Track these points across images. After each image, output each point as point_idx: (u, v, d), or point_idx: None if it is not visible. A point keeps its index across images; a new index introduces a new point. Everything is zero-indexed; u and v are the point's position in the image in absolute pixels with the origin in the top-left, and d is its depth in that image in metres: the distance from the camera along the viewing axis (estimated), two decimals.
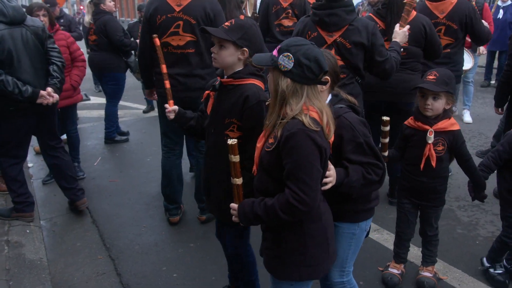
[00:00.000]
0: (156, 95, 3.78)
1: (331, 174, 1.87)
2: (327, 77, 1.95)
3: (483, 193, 2.72)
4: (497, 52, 8.13)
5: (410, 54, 3.58)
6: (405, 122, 2.78)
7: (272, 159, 1.77)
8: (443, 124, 2.61)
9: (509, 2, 7.80)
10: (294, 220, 1.78)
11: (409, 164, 2.78)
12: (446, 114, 2.64)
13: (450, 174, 4.45)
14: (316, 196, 1.74)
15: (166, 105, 2.58)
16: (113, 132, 6.09)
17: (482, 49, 6.25)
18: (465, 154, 2.67)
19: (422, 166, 2.65)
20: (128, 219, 3.96)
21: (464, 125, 6.40)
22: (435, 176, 2.70)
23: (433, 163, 2.62)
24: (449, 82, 2.58)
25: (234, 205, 1.89)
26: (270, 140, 1.78)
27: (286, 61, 1.71)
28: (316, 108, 1.76)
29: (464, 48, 5.78)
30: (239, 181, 1.88)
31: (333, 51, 3.02)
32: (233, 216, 1.89)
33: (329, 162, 1.84)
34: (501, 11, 7.77)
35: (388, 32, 3.52)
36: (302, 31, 3.17)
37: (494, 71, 8.64)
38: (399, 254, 2.99)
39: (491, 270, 2.97)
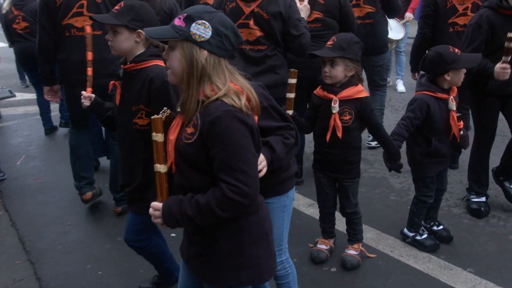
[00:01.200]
0: (58, 94, 3.55)
1: (260, 158, 1.68)
2: None
3: (399, 162, 2.67)
4: None
5: (326, 26, 3.50)
6: (314, 92, 2.69)
7: (196, 151, 1.50)
8: (348, 92, 2.52)
9: None
10: (235, 216, 1.54)
11: (319, 135, 2.69)
12: (351, 81, 2.54)
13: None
14: (257, 184, 1.52)
15: (83, 92, 2.39)
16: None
17: (408, 15, 6.30)
18: (375, 123, 2.60)
19: (328, 137, 2.56)
20: (53, 218, 3.69)
21: (398, 94, 6.51)
22: (345, 147, 2.62)
23: (339, 134, 2.53)
24: (346, 47, 2.48)
25: (156, 205, 1.56)
26: (189, 130, 1.51)
27: (202, 30, 1.48)
28: (238, 83, 1.55)
29: (395, 18, 5.87)
30: (162, 168, 1.55)
31: (251, 22, 2.92)
32: (154, 217, 1.56)
33: None
34: None
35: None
36: (221, 2, 3.04)
37: None
38: (325, 229, 2.93)
39: (418, 237, 2.97)
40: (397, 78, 6.74)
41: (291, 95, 2.40)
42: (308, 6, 3.28)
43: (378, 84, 4.61)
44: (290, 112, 2.52)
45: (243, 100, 1.51)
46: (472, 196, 3.42)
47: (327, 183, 2.77)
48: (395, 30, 5.90)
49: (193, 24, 1.48)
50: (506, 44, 2.76)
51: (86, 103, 2.36)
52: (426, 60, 2.69)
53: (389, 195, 3.72)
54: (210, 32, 1.49)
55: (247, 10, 2.93)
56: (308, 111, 2.75)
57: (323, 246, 2.90)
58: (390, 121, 5.15)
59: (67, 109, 3.74)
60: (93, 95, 2.38)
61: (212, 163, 1.49)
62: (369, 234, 3.15)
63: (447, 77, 2.62)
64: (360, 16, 4.15)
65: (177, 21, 1.51)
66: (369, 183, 3.94)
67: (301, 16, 3.16)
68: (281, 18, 2.92)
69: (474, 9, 3.55)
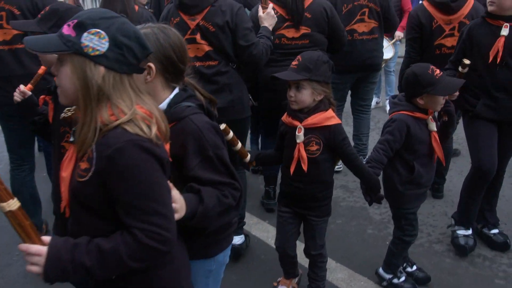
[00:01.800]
0: None
1: (178, 202, 1.35)
2: (150, 64, 1.49)
3: (379, 193, 2.36)
4: None
5: (314, 42, 3.24)
6: (282, 118, 2.40)
7: (93, 192, 1.22)
8: (315, 119, 2.22)
9: None
10: (147, 266, 1.27)
11: (285, 166, 2.39)
12: (319, 106, 2.25)
13: None
14: (175, 226, 1.26)
15: (21, 86, 2.16)
16: None
17: (398, 34, 6.08)
18: (348, 154, 2.28)
19: (292, 169, 2.27)
20: (0, 245, 3.40)
21: (387, 116, 6.20)
22: (312, 181, 2.32)
23: (304, 166, 2.22)
24: (313, 68, 2.18)
25: (36, 248, 1.19)
26: (83, 165, 1.22)
27: (96, 41, 1.20)
28: (146, 106, 1.27)
29: (385, 37, 5.65)
30: (11, 205, 1.18)
31: (198, 36, 2.69)
32: (31, 265, 1.20)
33: (171, 185, 1.34)
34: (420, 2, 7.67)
35: (293, 18, 3.19)
36: (166, 17, 2.80)
37: None
38: (286, 270, 2.63)
39: (395, 281, 2.65)
40: (387, 99, 6.47)
41: (237, 147, 2.19)
42: (273, 13, 3.00)
43: (366, 104, 4.39)
44: (247, 159, 2.27)
45: (154, 127, 1.24)
46: (458, 228, 3.11)
47: (290, 219, 2.46)
48: (385, 49, 5.69)
49: (85, 34, 1.20)
50: (460, 68, 2.65)
51: (17, 98, 2.13)
52: (403, 78, 2.44)
53: (366, 228, 3.42)
54: (107, 44, 1.21)
55: (192, 24, 2.70)
56: (277, 140, 2.46)
57: (284, 287, 2.60)
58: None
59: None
60: (30, 93, 2.14)
61: (116, 206, 1.21)
62: (340, 274, 2.85)
63: (420, 101, 2.35)
64: (365, 31, 3.93)
65: (65, 29, 1.23)
66: (346, 213, 3.65)
67: (265, 25, 2.93)
68: (228, 28, 2.68)
69: (460, 29, 3.31)
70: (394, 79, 6.54)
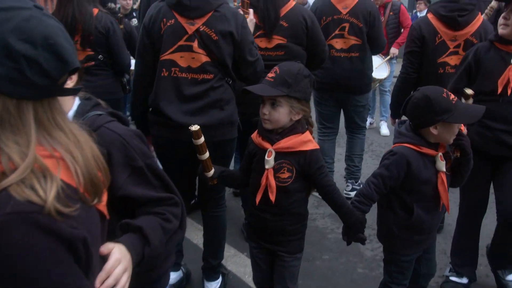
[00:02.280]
0: None
1: (113, 264, 1.01)
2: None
3: (360, 234, 1.98)
4: None
5: (290, 54, 2.88)
6: (252, 135, 2.03)
7: None
8: (288, 142, 1.85)
9: (424, 12, 7.48)
10: None
11: (251, 193, 2.02)
12: (296, 127, 1.89)
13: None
14: None
15: None
16: None
17: (394, 50, 5.78)
18: (324, 185, 1.92)
19: (257, 198, 1.90)
20: None
21: (380, 137, 5.90)
22: (281, 213, 1.95)
23: (271, 197, 1.85)
24: (292, 83, 1.82)
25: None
26: None
27: None
28: (58, 146, 0.88)
29: (380, 55, 5.34)
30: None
31: (195, 44, 2.27)
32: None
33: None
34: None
35: (265, 26, 2.84)
36: (156, 18, 2.33)
37: None
38: None
39: None
40: (381, 120, 6.14)
41: (203, 157, 1.91)
42: (254, 20, 2.69)
43: (358, 126, 4.02)
44: (210, 173, 1.96)
45: (56, 184, 0.82)
46: (451, 274, 2.76)
47: (260, 255, 2.09)
48: (379, 68, 5.37)
49: None
50: (462, 100, 2.33)
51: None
52: (410, 104, 2.02)
53: (356, 266, 3.03)
54: None
55: (190, 29, 2.27)
56: (243, 160, 2.09)
57: None
58: (369, 168, 4.50)
59: None
60: None
61: None
62: None
63: (434, 131, 1.96)
64: (344, 48, 3.61)
65: None
66: (334, 248, 3.25)
67: None
68: (231, 39, 2.30)
69: (467, 48, 2.97)
70: (389, 100, 6.22)
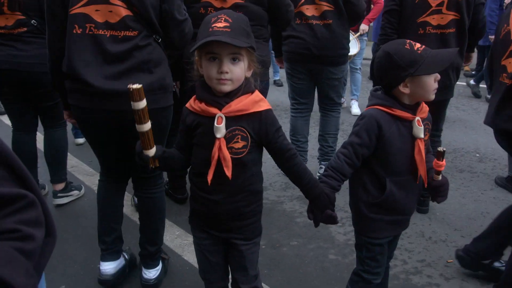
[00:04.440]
0: None
1: None
2: None
3: (328, 212, 1.65)
4: None
5: (249, 15, 2.48)
6: (186, 105, 1.64)
7: None
8: (239, 104, 1.51)
9: None
10: None
11: (196, 174, 1.65)
12: (246, 86, 1.56)
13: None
14: None
15: None
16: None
17: (364, 27, 5.48)
18: (285, 149, 1.59)
19: (209, 176, 1.53)
20: None
21: (352, 117, 5.64)
22: (237, 192, 1.61)
23: (227, 172, 1.51)
24: (249, 31, 1.53)
25: None
26: None
27: None
28: None
29: (350, 31, 5.04)
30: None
31: None
32: None
33: None
34: None
35: None
36: None
37: None
38: None
39: None
40: (352, 99, 5.89)
41: (145, 127, 1.51)
42: None
43: (333, 101, 3.67)
44: (151, 151, 1.57)
45: None
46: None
47: (210, 248, 1.74)
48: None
49: None
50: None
51: None
52: (374, 65, 1.77)
53: (328, 252, 2.73)
54: None
55: None
56: (179, 137, 1.70)
57: None
58: None
59: None
60: None
61: None
62: None
63: (405, 90, 1.67)
64: (315, 15, 3.26)
65: None
66: (303, 233, 2.94)
67: None
68: None
69: (451, 6, 2.69)
70: (360, 78, 5.97)
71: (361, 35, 5.51)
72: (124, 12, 1.90)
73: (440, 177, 1.74)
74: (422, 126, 1.70)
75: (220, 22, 1.47)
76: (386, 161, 1.73)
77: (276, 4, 2.63)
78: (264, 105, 1.54)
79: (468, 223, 3.06)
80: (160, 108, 2.05)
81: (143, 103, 1.45)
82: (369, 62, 7.68)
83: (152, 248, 2.32)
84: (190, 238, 2.83)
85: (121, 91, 1.87)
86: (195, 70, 1.58)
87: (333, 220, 1.66)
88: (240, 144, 1.53)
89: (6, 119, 5.19)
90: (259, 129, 1.54)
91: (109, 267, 2.34)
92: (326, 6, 3.24)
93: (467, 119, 5.71)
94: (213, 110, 1.51)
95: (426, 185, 1.78)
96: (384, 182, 1.73)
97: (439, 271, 2.54)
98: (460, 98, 6.70)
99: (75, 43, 1.92)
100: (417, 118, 1.70)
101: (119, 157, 2.24)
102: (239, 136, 1.52)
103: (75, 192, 3.43)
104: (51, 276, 2.45)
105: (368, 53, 7.58)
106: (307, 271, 2.53)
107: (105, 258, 2.35)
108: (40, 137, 3.41)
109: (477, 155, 4.46)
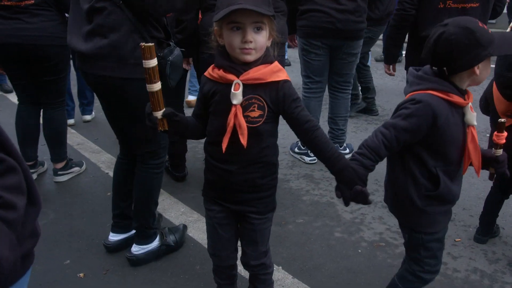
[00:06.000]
0: None
1: None
2: None
3: (358, 187, 1.49)
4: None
5: None
6: (205, 73, 1.60)
7: None
8: (257, 72, 1.46)
9: None
10: None
11: (211, 142, 1.62)
12: (265, 56, 1.51)
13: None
14: None
15: None
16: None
17: None
18: (304, 120, 1.52)
19: (224, 144, 1.49)
20: None
21: None
22: (252, 162, 1.57)
23: (243, 140, 1.46)
24: (270, 1, 1.47)
25: None
26: None
27: None
28: None
29: None
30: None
31: None
32: None
33: None
34: None
35: None
36: None
37: None
38: (221, 286, 1.89)
39: None
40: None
41: (155, 87, 1.43)
42: None
43: (345, 81, 3.57)
44: (159, 113, 1.48)
45: None
46: None
47: (223, 220, 1.71)
48: None
49: None
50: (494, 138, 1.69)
51: None
52: (442, 44, 1.50)
53: (333, 230, 2.70)
54: None
55: None
56: (197, 105, 1.66)
57: None
58: (348, 134, 4.15)
59: None
60: None
61: None
62: None
63: (477, 71, 1.52)
64: None
65: None
66: (310, 211, 2.91)
67: None
68: None
69: None
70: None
71: None
72: None
73: (501, 151, 1.65)
74: (475, 113, 1.58)
75: None
76: (438, 151, 1.59)
77: None
78: (282, 75, 1.50)
79: (476, 202, 3.01)
80: (110, 77, 1.96)
81: (153, 62, 1.39)
82: (380, 42, 7.66)
83: (134, 223, 2.33)
84: (195, 215, 2.83)
85: (89, 54, 1.91)
86: (213, 40, 1.53)
87: (364, 197, 1.49)
88: (256, 113, 1.49)
89: (12, 98, 5.18)
90: (276, 99, 1.50)
91: (112, 238, 2.44)
92: None
93: (477, 99, 5.60)
94: (231, 76, 1.47)
95: (478, 175, 1.66)
96: (435, 172, 1.59)
97: (447, 249, 2.49)
98: None
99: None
100: (470, 103, 1.58)
101: (124, 130, 2.22)
102: (256, 105, 1.49)
103: (76, 169, 3.42)
104: (55, 251, 2.46)
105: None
106: (313, 248, 2.51)
107: (111, 229, 2.44)
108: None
109: (487, 135, 4.38)
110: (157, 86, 1.43)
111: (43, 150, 3.48)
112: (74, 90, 4.64)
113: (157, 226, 2.42)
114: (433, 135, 1.54)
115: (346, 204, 1.54)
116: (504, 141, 1.61)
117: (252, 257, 1.74)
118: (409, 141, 1.57)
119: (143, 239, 2.34)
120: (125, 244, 2.43)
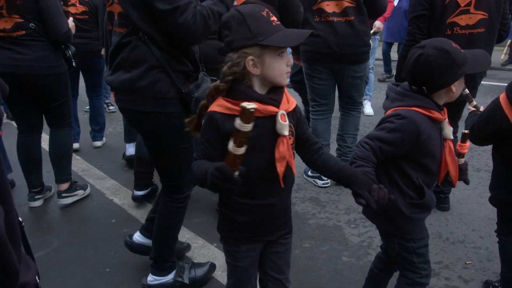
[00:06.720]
0: None
1: None
2: None
3: (375, 186, 1.43)
4: (397, 45, 7.30)
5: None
6: (215, 110, 1.44)
7: None
8: (290, 100, 1.48)
9: None
10: None
11: (248, 182, 1.41)
12: None
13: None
14: None
15: None
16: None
17: (379, 24, 5.40)
18: (315, 141, 1.56)
19: (281, 177, 1.41)
20: None
21: (364, 118, 5.54)
22: (288, 189, 1.56)
23: (294, 170, 1.46)
24: None
25: None
26: None
27: None
28: None
29: None
30: None
31: None
32: None
33: None
34: None
35: None
36: None
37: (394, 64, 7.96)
38: None
39: None
40: (365, 99, 5.79)
41: (239, 151, 1.27)
42: None
43: (355, 101, 3.57)
44: (237, 173, 1.30)
45: None
46: None
47: (255, 259, 1.62)
48: None
49: None
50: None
51: None
52: (421, 65, 1.58)
53: (341, 254, 2.65)
54: None
55: None
56: (209, 146, 1.44)
57: None
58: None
59: None
60: None
61: None
62: None
63: (453, 88, 1.61)
64: (336, 12, 3.18)
65: None
66: (316, 235, 2.87)
67: None
68: None
69: (479, 5, 2.61)
70: (373, 78, 5.89)
71: (375, 33, 5.42)
72: (118, 8, 2.00)
73: (463, 160, 1.73)
74: (452, 127, 1.67)
75: (272, 16, 1.41)
76: (420, 164, 1.66)
77: (285, 4, 2.57)
78: (293, 99, 1.52)
79: (486, 223, 2.96)
80: (131, 110, 2.00)
81: (248, 127, 1.22)
82: (381, 62, 7.68)
83: (152, 253, 2.28)
84: (200, 241, 2.79)
85: (113, 86, 1.99)
86: (241, 69, 1.38)
87: (384, 192, 1.43)
88: (291, 140, 1.47)
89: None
90: (297, 122, 1.51)
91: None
92: (347, 3, 3.16)
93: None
94: (272, 108, 1.40)
95: (455, 185, 1.73)
96: (418, 183, 1.66)
97: (458, 273, 2.45)
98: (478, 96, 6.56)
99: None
100: (447, 119, 1.66)
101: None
102: (291, 132, 1.47)
103: (80, 192, 3.41)
104: (59, 280, 2.42)
105: (380, 53, 7.50)
106: (320, 273, 2.46)
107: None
108: (45, 138, 3.41)
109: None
110: (243, 150, 1.26)
111: (49, 178, 3.47)
112: (80, 115, 4.67)
113: (174, 260, 2.34)
114: (415, 150, 1.62)
115: (372, 204, 1.42)
116: (466, 150, 1.73)
117: (287, 280, 1.69)
118: (391, 154, 1.63)
119: (158, 270, 2.28)
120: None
